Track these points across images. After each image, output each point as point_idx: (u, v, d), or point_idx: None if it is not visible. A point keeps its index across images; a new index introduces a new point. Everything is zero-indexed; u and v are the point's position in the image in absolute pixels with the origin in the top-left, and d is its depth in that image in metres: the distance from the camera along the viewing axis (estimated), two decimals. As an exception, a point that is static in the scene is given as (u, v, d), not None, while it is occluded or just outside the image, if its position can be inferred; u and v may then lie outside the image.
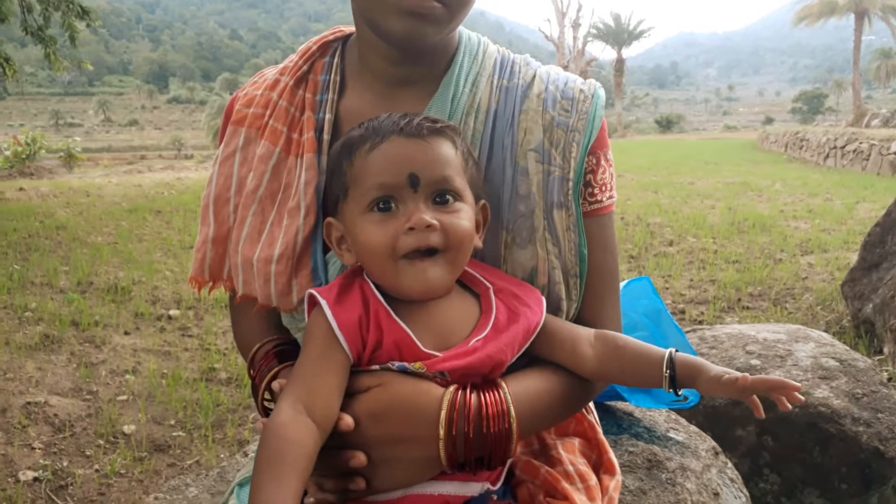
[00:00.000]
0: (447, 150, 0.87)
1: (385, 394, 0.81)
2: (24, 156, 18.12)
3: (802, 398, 0.77)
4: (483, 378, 0.84)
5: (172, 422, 3.19)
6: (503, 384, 0.84)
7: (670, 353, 0.85)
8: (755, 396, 0.78)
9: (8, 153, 18.22)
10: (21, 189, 11.46)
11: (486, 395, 0.82)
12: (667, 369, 0.84)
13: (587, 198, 1.00)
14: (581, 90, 1.01)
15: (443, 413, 0.79)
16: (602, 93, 1.02)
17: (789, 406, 0.76)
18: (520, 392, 0.85)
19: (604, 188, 1.01)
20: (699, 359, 0.84)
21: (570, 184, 0.97)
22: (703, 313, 4.69)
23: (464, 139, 0.92)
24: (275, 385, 0.90)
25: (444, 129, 0.88)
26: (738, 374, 0.78)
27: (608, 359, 0.89)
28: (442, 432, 0.79)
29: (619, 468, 1.00)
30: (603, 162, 1.01)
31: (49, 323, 4.40)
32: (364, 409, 0.81)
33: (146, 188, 12.46)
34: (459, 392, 0.81)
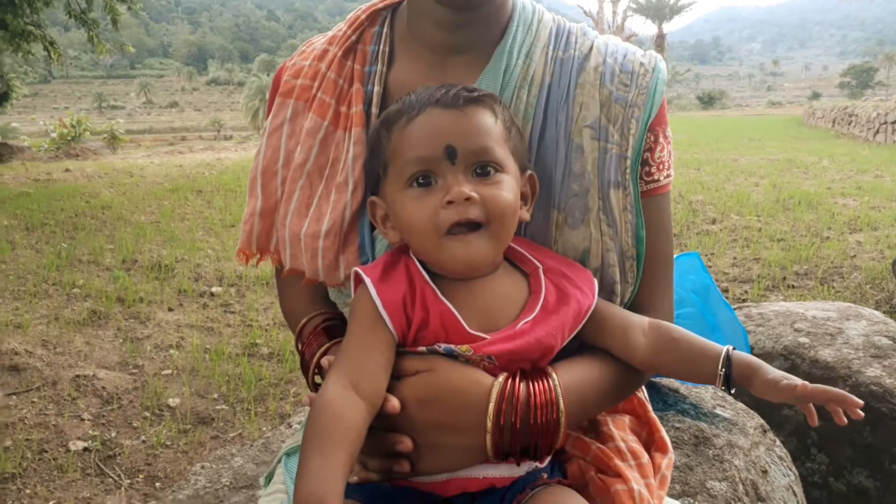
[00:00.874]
0: (486, 120, 0.84)
1: (434, 380, 0.80)
2: (69, 137, 18.58)
3: (862, 414, 0.72)
4: (532, 365, 0.82)
5: (215, 395, 3.25)
6: (553, 373, 0.82)
7: (727, 351, 0.81)
8: (812, 405, 0.75)
9: (54, 135, 18.69)
10: (67, 170, 11.74)
11: (535, 384, 0.80)
12: (722, 367, 0.80)
13: (644, 177, 0.95)
14: (641, 63, 0.96)
15: (491, 405, 0.78)
16: (663, 66, 0.97)
17: (845, 420, 0.72)
18: (569, 381, 0.82)
19: (661, 167, 0.97)
20: (757, 359, 0.80)
21: (628, 162, 0.92)
22: (746, 292, 4.59)
23: (505, 107, 0.89)
24: (324, 361, 0.89)
25: (483, 97, 0.85)
26: (798, 380, 0.74)
27: (661, 350, 0.85)
28: (490, 424, 0.78)
29: (671, 446, 0.97)
30: (661, 139, 0.96)
31: (96, 299, 4.52)
32: (412, 394, 0.80)
33: (187, 168, 12.66)
34: (509, 382, 0.79)
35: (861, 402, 0.73)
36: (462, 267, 0.82)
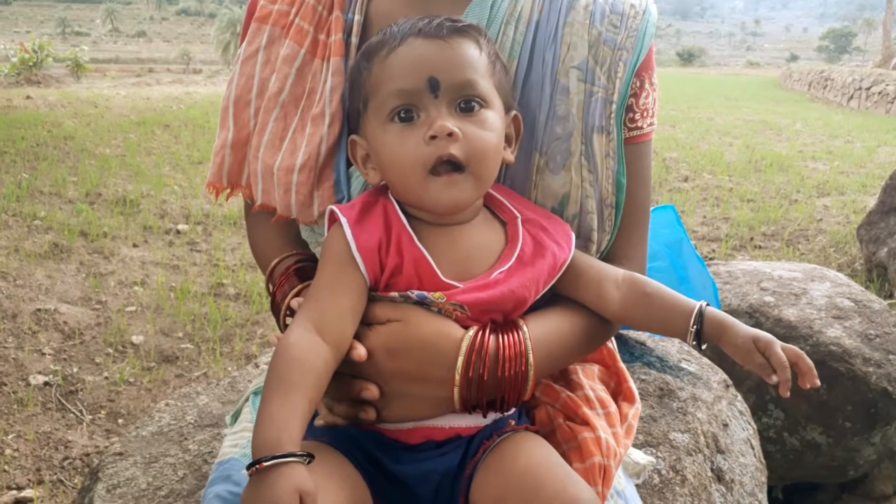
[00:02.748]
0: (470, 52, 0.80)
1: (404, 330, 0.79)
2: (31, 63, 17.78)
3: (818, 383, 0.76)
4: (504, 317, 0.81)
5: (180, 334, 3.22)
6: (524, 326, 0.81)
7: (700, 307, 0.80)
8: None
9: (15, 60, 17.89)
10: (28, 97, 11.31)
11: (505, 336, 0.79)
12: (694, 324, 0.80)
13: (627, 123, 0.93)
14: (632, 5, 0.93)
15: (460, 359, 0.77)
16: (654, 10, 0.94)
17: (807, 385, 0.75)
18: (539, 334, 0.82)
19: (645, 114, 0.95)
20: (729, 318, 0.80)
21: (614, 107, 0.90)
22: (714, 251, 4.65)
23: (490, 41, 0.86)
24: (294, 304, 0.87)
25: (467, 28, 0.82)
26: (760, 356, 0.77)
27: (634, 304, 0.85)
28: (457, 378, 0.77)
29: (638, 397, 0.98)
30: (647, 86, 0.94)
31: (58, 232, 4.41)
32: (381, 343, 0.79)
33: (154, 101, 12.29)
34: (479, 335, 0.78)
35: (817, 383, 0.76)
36: (445, 208, 0.80)
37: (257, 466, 0.66)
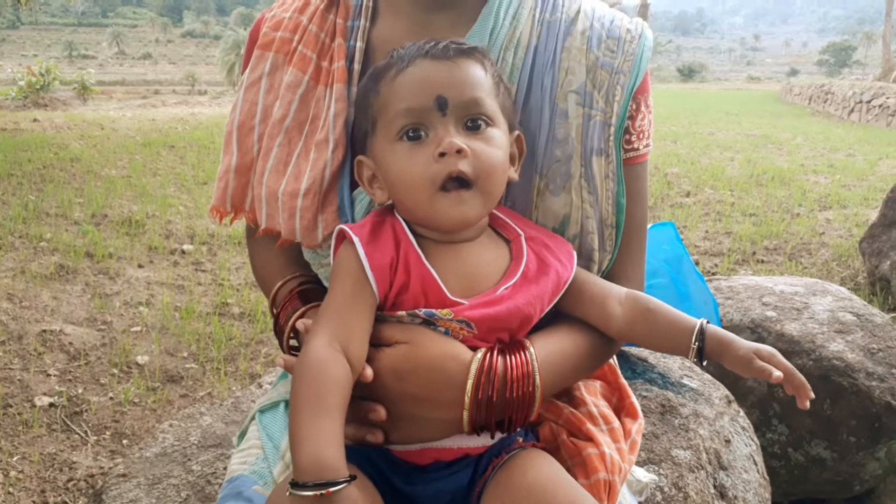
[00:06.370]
0: (476, 72, 0.83)
1: (412, 353, 0.79)
2: (38, 86, 17.95)
3: (807, 406, 0.76)
4: (511, 336, 0.82)
5: (185, 354, 3.23)
6: (530, 346, 0.82)
7: (701, 325, 0.82)
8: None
9: (22, 83, 18.06)
10: (35, 120, 11.42)
11: (512, 357, 0.80)
12: (696, 341, 0.81)
13: (624, 145, 0.95)
14: (628, 29, 0.96)
15: (470, 381, 0.78)
16: (650, 34, 0.96)
17: (804, 405, 0.76)
18: (545, 353, 0.83)
19: (641, 136, 0.96)
20: (729, 334, 0.81)
21: (612, 129, 0.92)
22: (717, 265, 4.65)
23: (493, 63, 0.88)
24: (300, 325, 0.88)
25: (472, 50, 0.84)
26: (766, 365, 0.77)
27: (637, 321, 0.86)
28: (467, 400, 0.78)
29: (641, 412, 0.99)
30: (643, 108, 0.96)
31: (64, 253, 4.43)
32: (388, 365, 0.80)
33: (160, 123, 12.39)
34: (487, 357, 0.79)
35: (810, 397, 0.76)
36: (454, 224, 0.82)
37: (323, 492, 0.66)
